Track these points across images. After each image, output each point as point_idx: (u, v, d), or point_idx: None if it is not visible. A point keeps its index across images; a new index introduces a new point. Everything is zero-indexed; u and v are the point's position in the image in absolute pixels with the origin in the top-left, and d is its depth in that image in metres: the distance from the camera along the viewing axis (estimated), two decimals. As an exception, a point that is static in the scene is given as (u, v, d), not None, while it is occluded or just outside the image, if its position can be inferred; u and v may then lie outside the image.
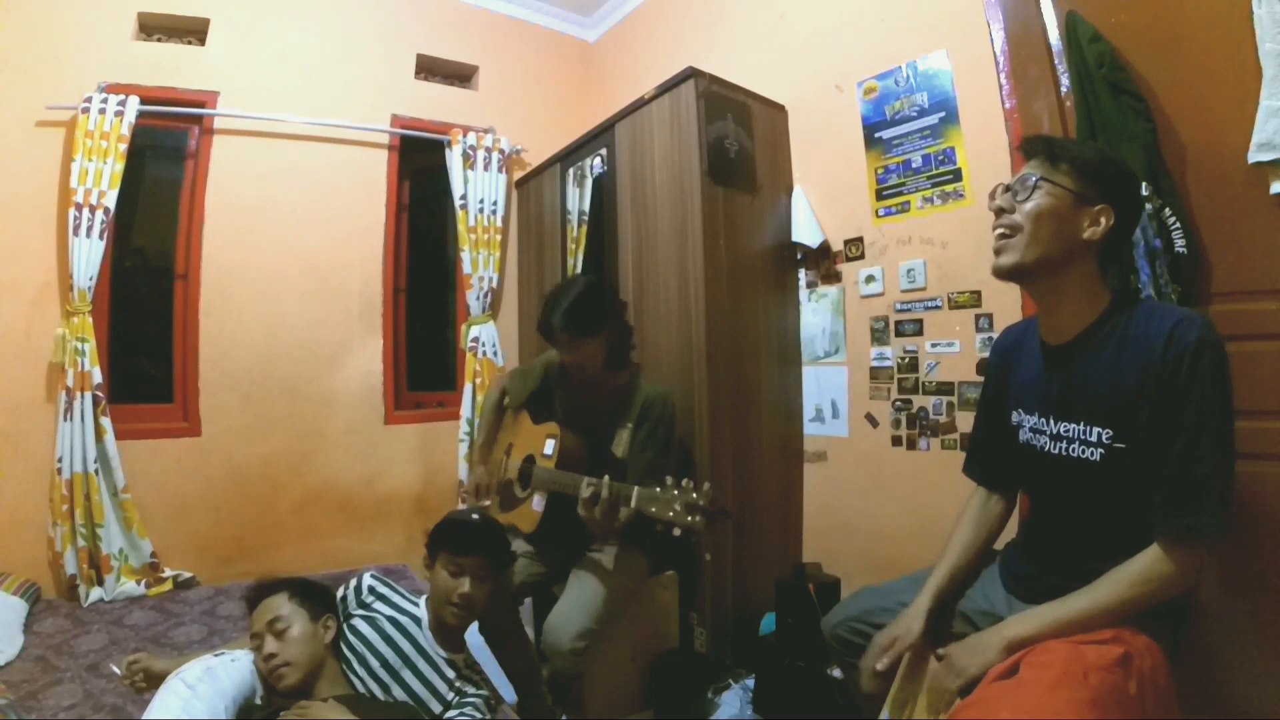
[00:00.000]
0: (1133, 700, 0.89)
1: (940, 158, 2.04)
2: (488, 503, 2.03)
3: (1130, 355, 0.99)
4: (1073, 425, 1.05)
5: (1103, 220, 1.02)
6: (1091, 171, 1.03)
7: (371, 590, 1.44)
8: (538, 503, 1.77)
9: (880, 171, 2.21)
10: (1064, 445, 1.07)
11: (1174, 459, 0.95)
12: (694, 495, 1.34)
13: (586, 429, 1.83)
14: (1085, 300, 1.06)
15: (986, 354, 1.91)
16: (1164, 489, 0.96)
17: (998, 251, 1.08)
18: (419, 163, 3.33)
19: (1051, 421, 1.09)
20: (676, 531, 1.35)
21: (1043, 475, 1.13)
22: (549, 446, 1.79)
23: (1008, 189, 1.09)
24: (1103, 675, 0.88)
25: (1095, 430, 1.02)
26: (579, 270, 2.85)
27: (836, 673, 1.64)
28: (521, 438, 1.94)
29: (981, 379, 1.91)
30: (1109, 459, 1.01)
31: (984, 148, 1.93)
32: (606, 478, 1.51)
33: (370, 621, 1.37)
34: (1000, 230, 1.08)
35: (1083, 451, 1.04)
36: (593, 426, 1.84)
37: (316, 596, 1.33)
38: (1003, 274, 1.08)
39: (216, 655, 1.27)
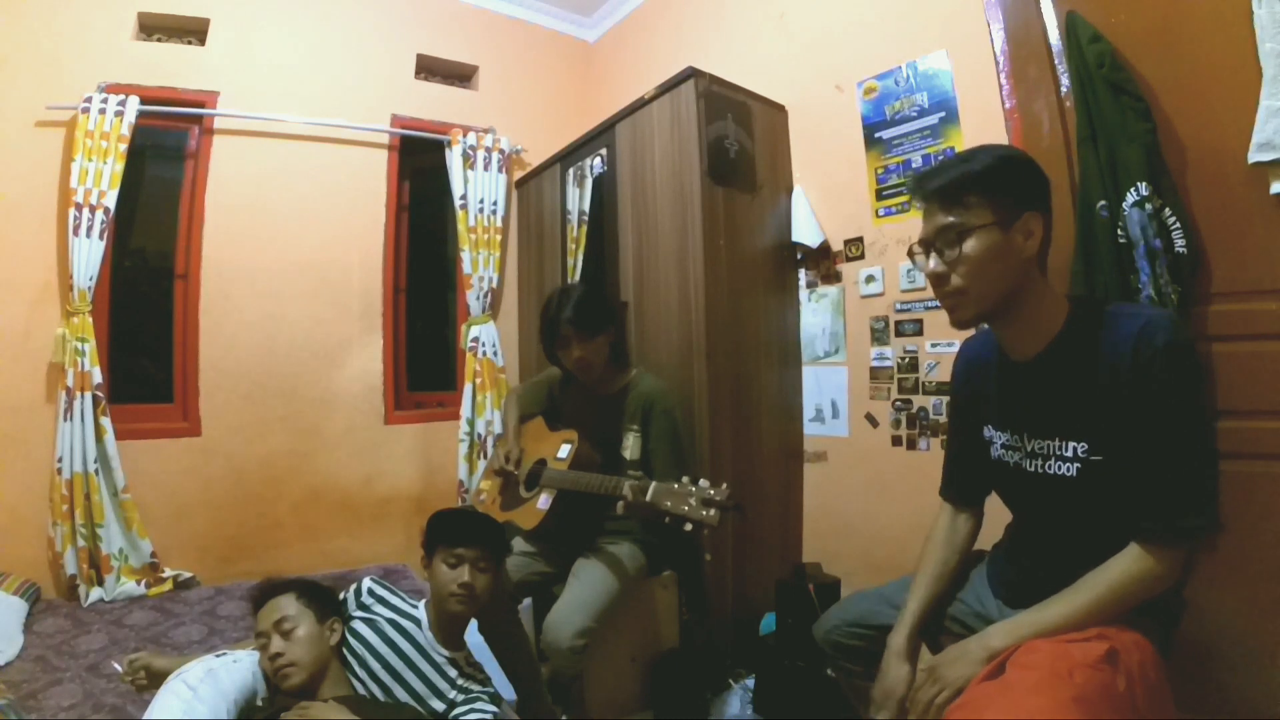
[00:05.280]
0: (1121, 696, 0.88)
1: (940, 158, 2.04)
2: (483, 497, 2.06)
3: (1099, 364, 0.97)
4: (1047, 442, 1.03)
5: (1034, 229, 0.98)
6: (999, 186, 0.97)
7: (370, 593, 1.44)
8: (544, 501, 1.78)
9: (880, 171, 2.21)
10: (1039, 462, 1.05)
11: (1153, 463, 0.94)
12: (711, 491, 1.37)
13: (596, 434, 1.85)
14: (1044, 314, 1.03)
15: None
16: (1145, 493, 0.95)
17: (950, 309, 1.04)
18: (419, 163, 3.33)
19: (1025, 439, 1.07)
20: (688, 526, 1.37)
21: (1020, 492, 1.12)
22: (564, 450, 1.81)
23: (929, 247, 1.03)
24: (1088, 672, 0.88)
25: (1070, 445, 1.00)
26: (579, 270, 2.86)
27: (831, 675, 1.64)
28: (533, 444, 1.96)
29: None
30: (1086, 472, 0.99)
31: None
32: (629, 473, 1.54)
33: (370, 624, 1.37)
34: (944, 296, 1.03)
35: (1059, 467, 1.02)
36: (602, 431, 1.86)
37: (323, 598, 1.33)
38: (963, 326, 1.05)
39: (218, 656, 1.26)
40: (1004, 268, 0.98)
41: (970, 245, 0.98)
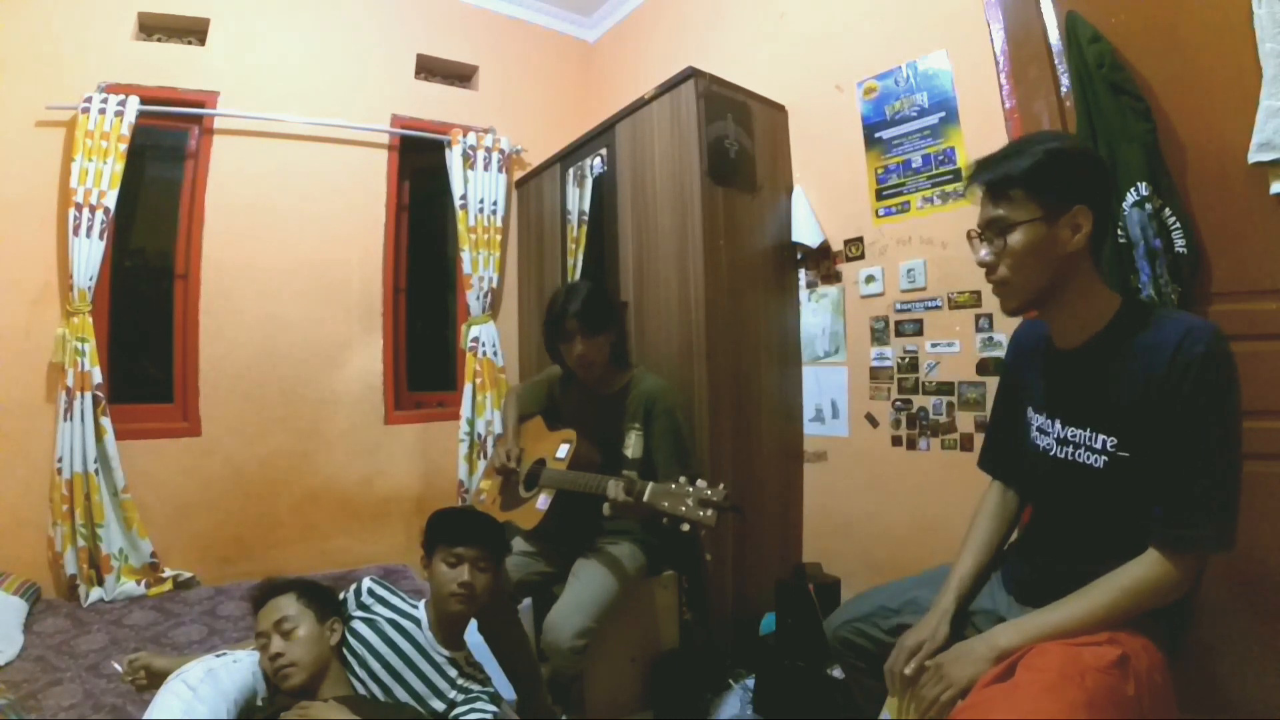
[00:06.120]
0: (1130, 701, 0.88)
1: (940, 158, 2.04)
2: (483, 497, 2.06)
3: (1138, 364, 0.98)
4: (1079, 431, 1.05)
5: (1081, 223, 0.98)
6: (1046, 181, 0.98)
7: (370, 593, 1.44)
8: (543, 501, 1.78)
9: (880, 171, 2.21)
10: (1069, 450, 1.06)
11: (1176, 470, 0.94)
12: (708, 492, 1.36)
13: (597, 433, 1.85)
14: (1092, 306, 1.04)
15: (987, 354, 1.91)
16: (1165, 499, 0.95)
17: (998, 297, 1.09)
18: (419, 163, 3.33)
19: (1059, 425, 1.08)
20: (685, 527, 1.37)
21: (1046, 478, 1.13)
22: (562, 450, 1.81)
23: (982, 236, 1.07)
24: (1099, 677, 0.88)
25: (1100, 438, 1.01)
26: (579, 270, 2.86)
27: (838, 673, 1.64)
28: (532, 443, 1.97)
29: (982, 379, 1.92)
30: (1112, 467, 1.00)
31: (984, 148, 1.88)
32: (625, 473, 1.54)
33: (370, 624, 1.37)
34: (993, 284, 1.08)
35: (1087, 458, 1.03)
36: (602, 430, 1.86)
37: (324, 598, 1.33)
38: (1009, 314, 1.09)
39: (218, 656, 1.27)
40: (1047, 261, 1.00)
41: (1014, 239, 1.01)
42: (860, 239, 2.27)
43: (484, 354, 3.16)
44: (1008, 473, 1.29)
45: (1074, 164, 1.00)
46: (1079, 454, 1.04)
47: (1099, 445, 1.01)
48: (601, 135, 2.68)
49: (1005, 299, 1.07)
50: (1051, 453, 1.09)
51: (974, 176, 1.07)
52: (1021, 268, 1.02)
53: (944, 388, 2.02)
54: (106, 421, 2.43)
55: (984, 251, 1.06)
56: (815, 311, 2.43)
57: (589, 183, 2.82)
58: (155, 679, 1.24)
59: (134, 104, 2.50)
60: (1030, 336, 1.22)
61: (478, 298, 3.19)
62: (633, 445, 1.81)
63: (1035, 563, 1.14)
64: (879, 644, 1.24)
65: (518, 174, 3.44)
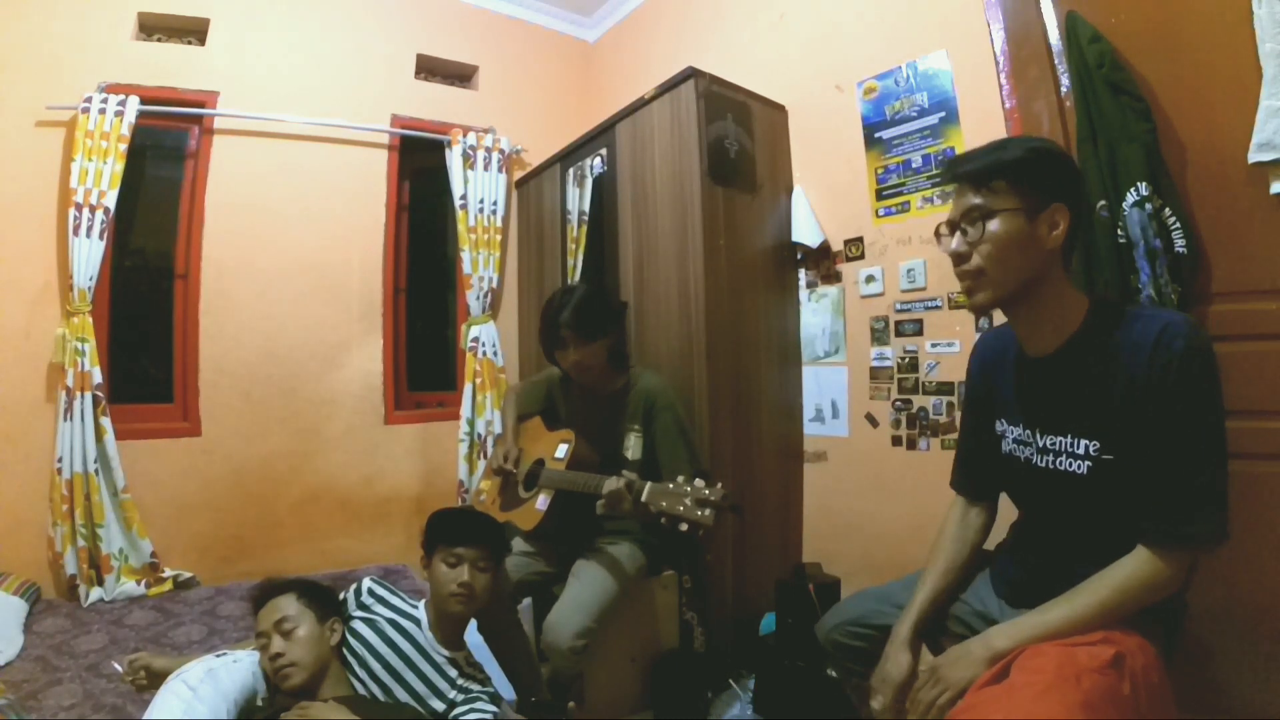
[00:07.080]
0: (1126, 700, 0.88)
1: (940, 158, 2.04)
2: (483, 498, 2.06)
3: (1116, 365, 0.97)
4: (1059, 438, 1.03)
5: (1060, 221, 0.98)
6: (1028, 175, 0.98)
7: (370, 593, 1.44)
8: (542, 502, 1.78)
9: (880, 171, 2.21)
10: (1050, 458, 1.05)
11: (1165, 469, 0.93)
12: (706, 491, 1.36)
13: (595, 434, 1.85)
14: (1063, 309, 1.03)
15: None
16: (1156, 497, 0.94)
17: (968, 291, 1.05)
18: (419, 163, 3.33)
19: (1037, 434, 1.07)
20: (684, 526, 1.36)
21: (1029, 487, 1.12)
22: (561, 450, 1.81)
23: (954, 227, 1.04)
24: (1095, 678, 0.87)
25: (1082, 443, 1.00)
26: (579, 270, 2.86)
27: (833, 675, 1.64)
28: (531, 444, 1.97)
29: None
30: (1097, 471, 0.99)
31: (984, 148, 1.92)
32: (624, 473, 1.54)
33: (370, 624, 1.37)
34: (964, 275, 1.04)
35: (1070, 465, 1.02)
36: (601, 431, 1.86)
37: (324, 598, 1.34)
38: (980, 311, 1.07)
39: (218, 656, 1.27)
40: (1025, 255, 0.99)
41: (994, 226, 0.99)
42: (860, 239, 2.27)
43: (484, 354, 3.16)
44: (982, 492, 1.27)
45: (1056, 163, 1.01)
46: (1060, 461, 1.03)
47: (1081, 451, 1.00)
48: (601, 135, 2.68)
49: (977, 291, 1.03)
50: (1032, 462, 1.08)
51: (954, 167, 1.06)
52: (999, 259, 0.99)
53: (944, 388, 2.02)
54: (106, 421, 2.43)
55: (955, 242, 1.04)
56: (815, 311, 2.43)
57: (589, 183, 2.82)
58: (155, 679, 1.24)
59: (134, 104, 2.49)
60: (994, 348, 1.20)
61: (478, 298, 3.19)
62: (632, 446, 1.81)
63: (1027, 564, 1.14)
64: (872, 640, 1.24)
65: (518, 174, 3.44)
